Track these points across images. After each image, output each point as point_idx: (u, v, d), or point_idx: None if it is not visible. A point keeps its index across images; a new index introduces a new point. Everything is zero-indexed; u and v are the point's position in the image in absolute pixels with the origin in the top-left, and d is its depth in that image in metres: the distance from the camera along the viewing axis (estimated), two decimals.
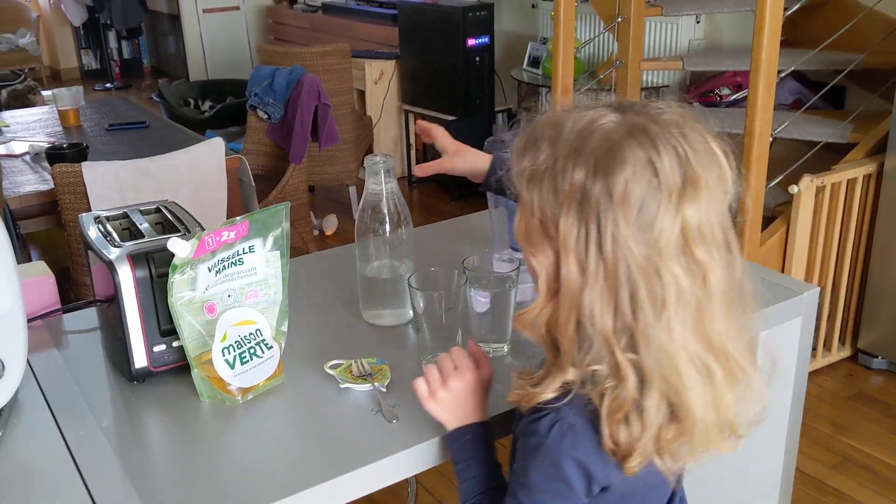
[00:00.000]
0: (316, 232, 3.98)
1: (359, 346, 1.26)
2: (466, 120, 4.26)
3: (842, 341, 2.82)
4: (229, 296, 1.11)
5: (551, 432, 0.85)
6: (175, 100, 4.97)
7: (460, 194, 4.32)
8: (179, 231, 1.20)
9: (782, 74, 2.54)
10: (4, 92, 4.77)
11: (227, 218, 2.53)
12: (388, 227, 1.26)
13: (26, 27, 7.32)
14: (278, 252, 1.14)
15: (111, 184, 2.34)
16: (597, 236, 0.78)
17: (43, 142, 2.98)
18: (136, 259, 1.10)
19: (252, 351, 1.12)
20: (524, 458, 0.88)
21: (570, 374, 0.83)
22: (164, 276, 1.08)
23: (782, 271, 2.57)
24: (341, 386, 1.14)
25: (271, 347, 1.15)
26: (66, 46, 7.99)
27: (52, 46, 7.99)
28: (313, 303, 1.39)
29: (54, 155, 2.61)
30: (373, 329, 1.31)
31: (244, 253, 1.11)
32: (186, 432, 1.08)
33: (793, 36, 3.01)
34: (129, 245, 1.14)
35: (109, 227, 1.20)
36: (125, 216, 1.25)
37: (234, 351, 1.11)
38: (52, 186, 2.42)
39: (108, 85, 7.54)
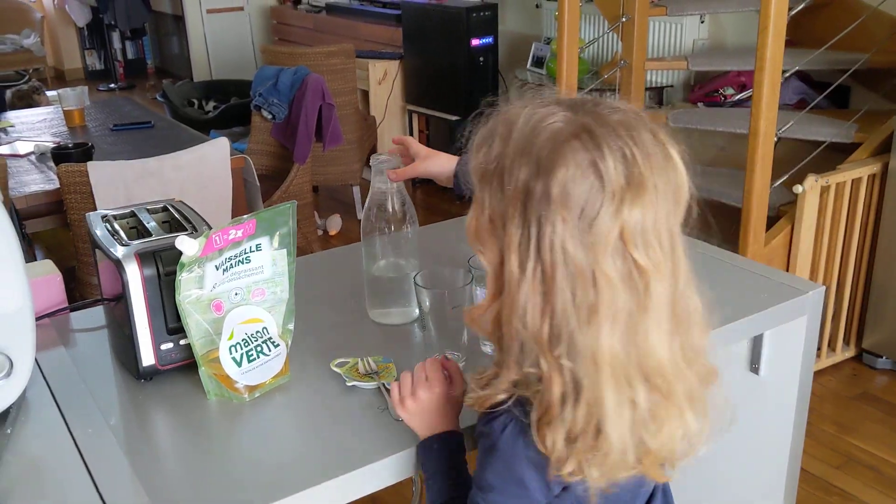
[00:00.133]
0: (320, 232, 3.98)
1: (365, 344, 1.26)
2: None
3: (846, 341, 2.82)
4: (236, 294, 1.11)
5: (504, 434, 0.84)
6: (179, 100, 4.98)
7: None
8: (186, 229, 1.20)
9: (787, 74, 2.54)
10: (9, 92, 4.78)
11: (232, 217, 2.54)
12: (393, 226, 1.27)
13: (30, 28, 7.34)
14: (285, 250, 1.15)
15: (116, 183, 2.35)
16: (536, 237, 0.77)
17: (48, 142, 2.98)
18: (143, 257, 1.11)
19: (259, 349, 1.13)
20: (481, 460, 0.88)
21: (514, 374, 0.83)
22: (172, 275, 1.08)
23: (787, 271, 2.57)
24: (348, 384, 1.14)
25: (278, 345, 1.15)
26: (70, 47, 8.00)
27: (56, 47, 8.00)
28: (319, 301, 1.39)
29: (60, 155, 2.62)
30: (379, 327, 1.32)
31: (251, 251, 1.11)
32: (193, 430, 1.09)
33: (797, 36, 3.01)
34: (137, 243, 1.14)
35: (117, 226, 1.21)
36: (132, 215, 1.25)
37: (242, 349, 1.11)
38: (58, 186, 2.43)
39: (112, 85, 7.55)
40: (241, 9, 6.81)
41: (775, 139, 2.41)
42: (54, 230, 2.88)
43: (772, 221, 2.58)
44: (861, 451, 2.37)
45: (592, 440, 0.79)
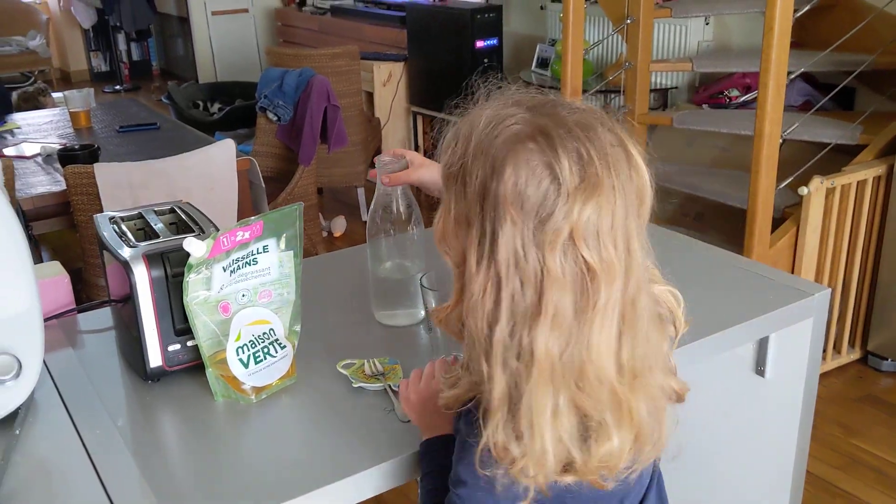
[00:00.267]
0: (324, 233, 3.99)
1: (371, 345, 1.26)
2: None
3: (851, 343, 2.82)
4: (243, 295, 1.12)
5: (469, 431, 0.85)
6: (184, 102, 5.00)
7: None
8: (194, 231, 1.21)
9: (792, 76, 2.54)
10: (15, 94, 4.79)
11: (238, 219, 2.55)
12: (399, 228, 1.27)
13: (36, 29, 7.36)
14: (292, 252, 1.15)
15: (123, 185, 2.36)
16: (491, 237, 0.78)
17: (54, 143, 2.99)
18: (151, 259, 1.11)
19: (266, 350, 1.13)
20: (454, 457, 0.88)
21: (475, 373, 0.83)
22: (179, 276, 1.09)
23: (792, 273, 2.57)
24: (354, 385, 1.15)
25: (284, 347, 1.16)
26: (75, 49, 8.03)
27: (61, 49, 8.03)
28: (325, 303, 1.40)
29: (66, 156, 2.63)
30: (385, 329, 1.32)
31: (258, 253, 1.12)
32: (201, 431, 1.09)
33: (802, 37, 3.01)
34: (145, 245, 1.15)
35: (124, 228, 1.21)
36: (140, 216, 1.26)
37: (249, 350, 1.12)
38: (65, 188, 2.44)
39: (118, 87, 7.57)
40: (246, 11, 6.83)
41: (780, 141, 2.41)
42: (60, 231, 2.89)
43: (777, 223, 2.58)
44: (866, 454, 2.36)
45: (532, 442, 0.79)
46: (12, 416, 1.08)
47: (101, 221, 1.23)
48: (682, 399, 0.90)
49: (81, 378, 1.20)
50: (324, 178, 3.97)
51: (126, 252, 1.13)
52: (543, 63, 4.35)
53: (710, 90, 3.56)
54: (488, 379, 0.80)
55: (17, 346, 1.06)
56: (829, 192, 2.53)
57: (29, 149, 2.95)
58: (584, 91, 3.29)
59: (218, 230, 1.10)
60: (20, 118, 3.50)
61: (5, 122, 3.37)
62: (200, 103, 5.18)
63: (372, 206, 1.28)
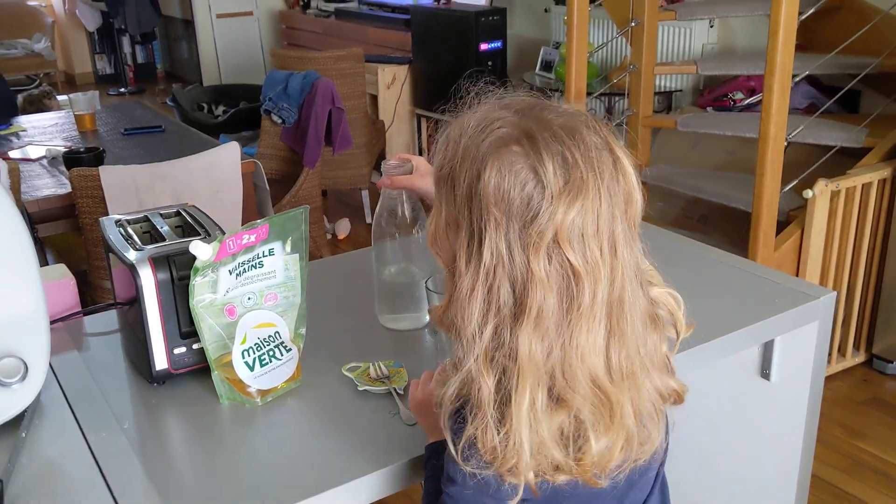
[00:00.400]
0: (328, 236, 4.00)
1: (376, 349, 1.26)
2: None
3: (856, 346, 2.81)
4: (249, 298, 1.12)
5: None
6: (189, 104, 5.01)
7: None
8: (199, 234, 1.21)
9: (797, 79, 2.54)
10: (20, 97, 4.81)
11: (243, 222, 2.55)
12: (404, 232, 1.27)
13: (41, 32, 7.38)
14: (297, 255, 1.15)
15: (128, 187, 2.36)
16: (478, 239, 0.79)
17: (60, 146, 3.00)
18: (157, 262, 1.12)
19: (271, 353, 1.13)
20: (446, 454, 0.88)
21: (464, 372, 0.83)
22: (185, 279, 1.09)
23: (797, 276, 2.57)
24: (359, 388, 1.15)
25: (290, 350, 1.16)
26: (80, 51, 8.05)
27: (66, 51, 8.05)
28: (330, 306, 1.40)
29: (71, 159, 2.64)
30: (389, 332, 1.32)
31: (264, 256, 1.12)
32: (206, 434, 1.09)
33: (807, 40, 3.01)
34: (151, 248, 1.15)
35: (130, 231, 1.22)
36: (146, 219, 1.26)
37: (254, 353, 1.12)
38: (70, 190, 2.45)
39: (123, 89, 7.59)
40: (251, 13, 6.84)
41: (785, 143, 2.41)
42: (64, 234, 2.90)
43: (781, 226, 2.58)
44: (871, 457, 2.36)
45: (519, 442, 0.80)
46: (18, 419, 1.08)
47: (107, 224, 1.24)
48: (682, 400, 0.90)
49: (87, 381, 1.20)
50: (328, 180, 3.97)
51: (132, 255, 1.13)
52: (547, 66, 4.35)
53: (714, 93, 3.55)
54: (475, 377, 0.80)
55: (23, 349, 1.07)
56: (834, 195, 2.53)
57: (34, 151, 2.95)
58: (589, 94, 3.30)
59: (224, 233, 1.10)
60: (25, 121, 3.51)
61: (10, 125, 3.38)
62: (205, 106, 5.19)
63: (377, 210, 1.28)
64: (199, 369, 1.17)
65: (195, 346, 1.15)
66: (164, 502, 0.94)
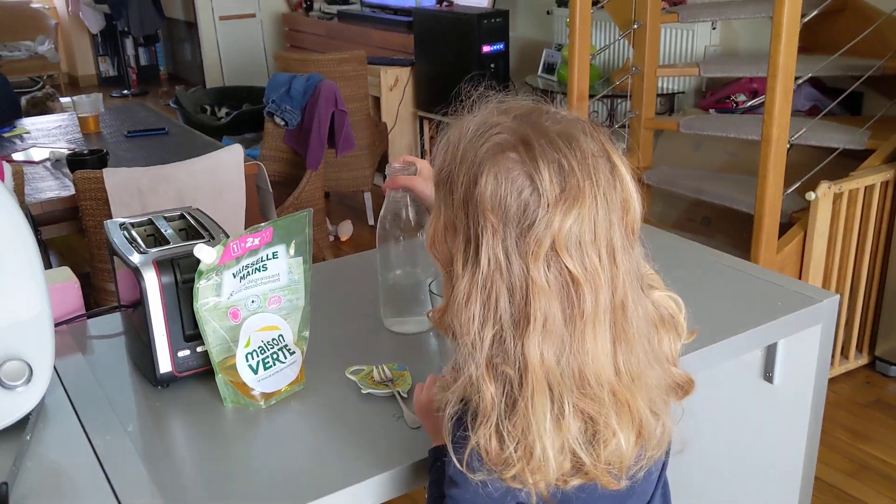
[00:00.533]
0: (331, 238, 4.00)
1: (380, 351, 1.27)
2: None
3: (859, 349, 2.81)
4: (253, 301, 1.12)
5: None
6: (192, 106, 5.01)
7: None
8: (203, 237, 1.21)
9: (799, 81, 2.54)
10: (24, 100, 4.82)
11: (246, 224, 2.56)
12: (409, 235, 1.27)
13: (45, 34, 7.40)
14: (301, 258, 1.16)
15: (132, 190, 2.37)
16: (475, 244, 0.79)
17: (63, 148, 3.01)
18: (161, 265, 1.12)
19: (275, 356, 1.14)
20: (447, 457, 0.88)
21: (465, 377, 0.83)
22: (189, 282, 1.09)
23: (799, 278, 2.57)
24: (363, 392, 1.15)
25: (293, 353, 1.16)
26: (83, 53, 8.06)
27: (70, 53, 8.06)
28: (334, 309, 1.40)
29: (75, 161, 2.64)
30: (393, 335, 1.32)
31: (268, 259, 1.12)
32: (210, 437, 1.09)
33: (810, 42, 3.01)
34: (155, 251, 1.15)
35: (135, 234, 1.22)
36: (150, 222, 1.27)
37: (258, 356, 1.12)
38: (73, 192, 2.45)
39: (126, 91, 7.60)
40: (254, 16, 6.85)
41: (788, 146, 2.41)
42: (67, 236, 2.91)
43: (784, 228, 2.58)
44: (874, 459, 2.36)
45: (529, 448, 0.80)
46: (23, 422, 1.09)
47: (112, 227, 1.24)
48: (689, 392, 0.91)
49: (91, 383, 1.20)
50: (331, 182, 3.98)
51: (136, 258, 1.14)
52: (550, 68, 4.36)
53: (716, 95, 3.56)
54: (476, 383, 0.81)
55: (27, 352, 1.07)
56: (837, 197, 2.53)
57: (38, 154, 2.96)
58: (591, 96, 3.30)
59: (228, 236, 1.10)
60: (29, 123, 3.51)
61: (14, 128, 3.39)
62: (208, 108, 5.19)
63: (382, 213, 1.28)
64: (203, 372, 1.17)
65: (199, 349, 1.15)
66: None
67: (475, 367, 0.80)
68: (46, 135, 3.30)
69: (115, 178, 2.36)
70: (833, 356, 2.72)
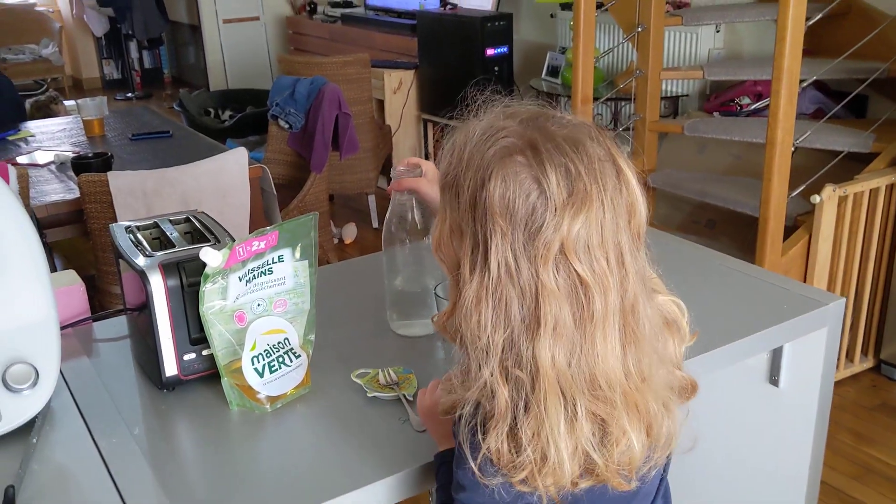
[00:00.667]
0: (335, 240, 4.00)
1: (385, 355, 1.26)
2: None
3: (864, 352, 2.80)
4: (259, 305, 1.12)
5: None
6: (195, 109, 5.02)
7: None
8: (209, 241, 1.22)
9: (804, 84, 2.54)
10: (28, 103, 4.83)
11: (250, 227, 2.56)
12: (414, 237, 1.27)
13: (49, 37, 7.42)
14: (307, 261, 1.16)
15: (136, 193, 2.37)
16: (483, 248, 0.80)
17: (68, 151, 3.01)
18: (167, 268, 1.12)
19: (281, 360, 1.14)
20: (455, 461, 0.89)
21: (473, 381, 0.83)
22: (195, 286, 1.09)
23: (804, 281, 2.56)
24: (368, 395, 1.15)
25: (299, 356, 1.16)
26: (87, 56, 8.08)
27: (74, 56, 8.08)
28: (339, 312, 1.40)
29: (80, 164, 2.65)
30: (399, 338, 1.32)
31: (273, 262, 1.12)
32: (216, 440, 1.09)
33: (814, 45, 3.00)
34: (161, 255, 1.15)
35: (140, 237, 1.22)
36: (155, 226, 1.27)
37: (264, 359, 1.12)
38: (78, 195, 2.45)
39: (129, 94, 7.62)
40: (257, 19, 6.86)
41: (792, 148, 2.41)
42: (72, 239, 2.91)
43: (789, 231, 2.57)
44: (880, 463, 2.35)
45: (542, 451, 0.80)
46: (29, 425, 1.09)
47: (117, 230, 1.24)
48: (692, 396, 0.91)
49: (97, 387, 1.20)
50: (335, 184, 3.98)
51: (142, 261, 1.14)
52: (554, 71, 4.36)
53: (721, 98, 3.55)
54: (488, 387, 0.81)
55: (34, 355, 1.07)
56: (842, 200, 2.53)
57: (42, 157, 2.97)
58: (595, 99, 3.29)
59: (234, 240, 1.10)
60: (34, 126, 3.52)
61: (19, 131, 3.40)
62: (211, 110, 5.20)
63: (387, 216, 1.28)
64: (209, 375, 1.17)
65: (205, 353, 1.15)
66: None
67: (489, 372, 0.80)
68: (51, 138, 3.31)
69: (120, 181, 2.36)
70: (838, 359, 2.71)
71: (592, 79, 2.90)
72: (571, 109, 3.61)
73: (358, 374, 1.19)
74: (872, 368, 2.80)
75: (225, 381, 1.13)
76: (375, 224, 4.23)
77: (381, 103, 4.60)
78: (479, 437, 0.82)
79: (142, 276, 1.12)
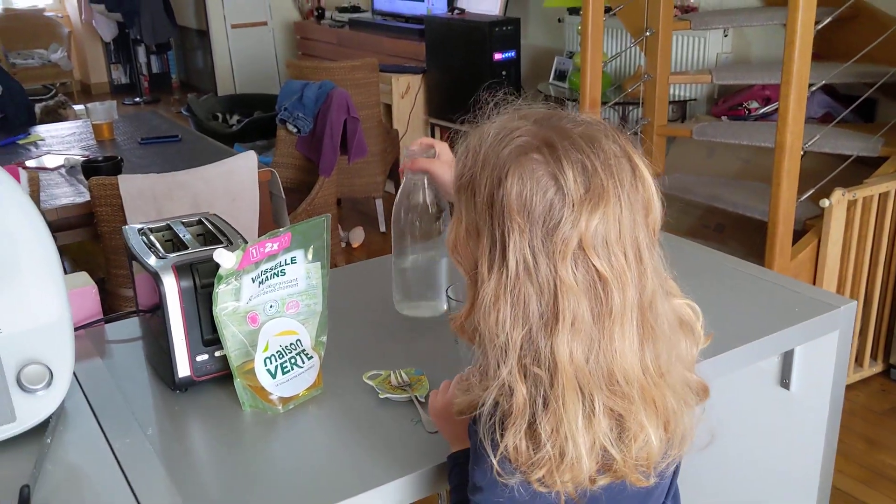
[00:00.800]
0: (343, 244, 4.01)
1: (397, 356, 1.27)
2: None
3: (874, 357, 2.79)
4: (271, 306, 1.13)
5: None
6: (203, 114, 5.04)
7: None
8: (222, 242, 1.22)
9: (813, 88, 2.54)
10: (37, 107, 4.86)
11: (259, 230, 2.57)
12: (424, 218, 1.26)
13: (58, 42, 7.46)
14: (319, 263, 1.16)
15: (146, 196, 2.38)
16: (501, 246, 0.80)
17: (78, 155, 3.03)
18: (180, 270, 1.12)
19: (293, 361, 1.14)
20: (470, 463, 0.89)
21: (490, 379, 0.84)
22: (208, 287, 1.10)
23: (813, 285, 2.56)
24: (380, 396, 1.15)
25: (311, 358, 1.16)
26: (96, 61, 8.12)
27: (82, 61, 8.12)
28: (349, 313, 1.40)
29: (90, 168, 2.66)
30: (411, 340, 1.32)
31: (286, 264, 1.13)
32: (229, 440, 1.10)
33: (823, 49, 3.00)
34: (174, 256, 1.16)
35: (153, 239, 1.23)
36: (168, 228, 1.27)
37: (276, 361, 1.13)
38: (88, 199, 2.46)
39: (138, 99, 7.65)
40: (265, 24, 6.89)
41: (801, 153, 2.41)
42: (81, 242, 2.92)
43: (798, 235, 2.57)
44: (889, 467, 2.34)
45: (561, 448, 0.80)
46: (43, 425, 1.09)
47: (130, 232, 1.25)
48: (703, 400, 0.92)
49: (111, 387, 1.21)
50: (343, 188, 3.99)
51: (155, 263, 1.14)
52: (561, 75, 4.36)
53: (729, 102, 3.55)
54: (507, 385, 0.81)
55: (48, 356, 1.08)
56: (851, 205, 2.52)
57: (51, 161, 2.98)
58: (603, 103, 3.30)
59: (246, 242, 1.11)
60: (43, 130, 3.54)
61: (29, 135, 3.42)
62: (219, 115, 5.22)
63: (398, 196, 1.27)
64: (222, 376, 1.17)
65: (217, 354, 1.16)
66: None
67: (507, 370, 0.80)
68: (61, 142, 3.32)
69: (131, 185, 2.37)
70: (848, 364, 2.70)
71: (600, 83, 2.90)
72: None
73: (370, 376, 1.19)
74: (882, 373, 2.79)
75: (237, 382, 1.13)
76: (383, 228, 4.24)
77: (388, 107, 4.61)
78: (498, 435, 0.82)
79: (155, 277, 1.12)
